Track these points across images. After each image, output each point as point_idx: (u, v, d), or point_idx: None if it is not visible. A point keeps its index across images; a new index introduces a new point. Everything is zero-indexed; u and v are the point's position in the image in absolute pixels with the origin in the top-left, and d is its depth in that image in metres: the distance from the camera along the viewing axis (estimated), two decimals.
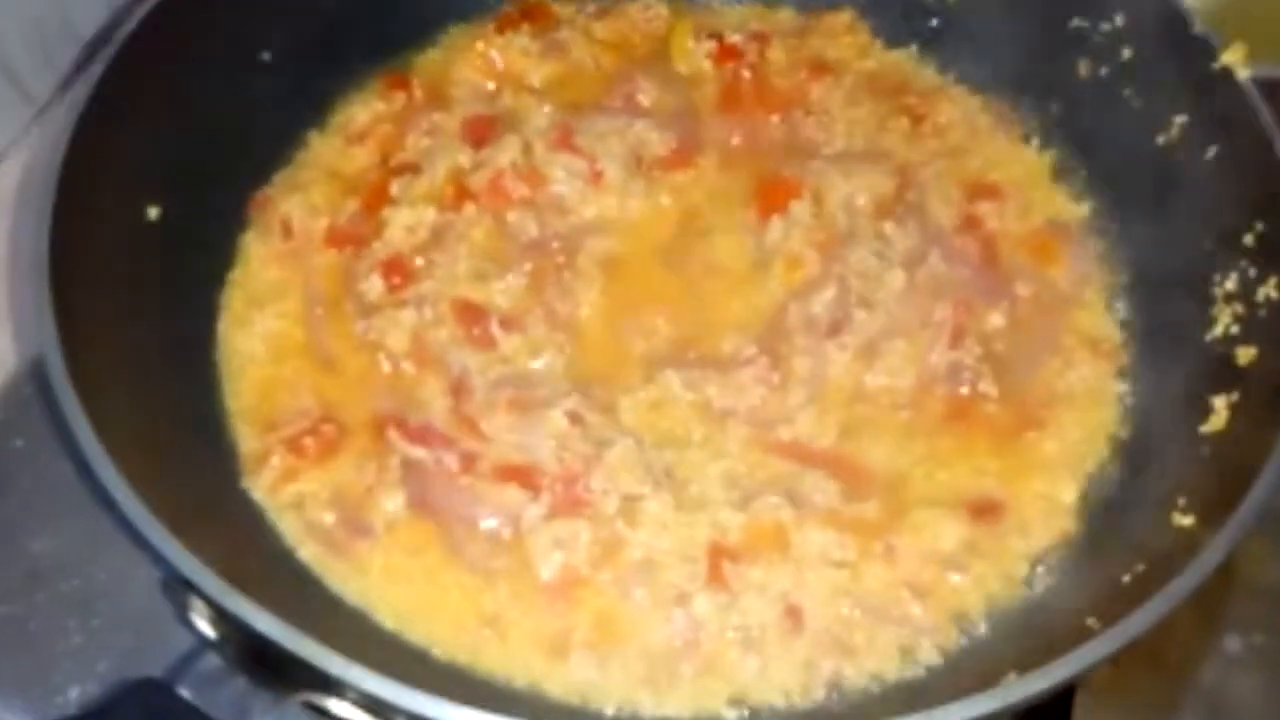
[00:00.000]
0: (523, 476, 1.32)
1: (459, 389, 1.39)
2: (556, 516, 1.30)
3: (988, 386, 1.42)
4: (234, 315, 1.46)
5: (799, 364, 1.41)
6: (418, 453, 1.34)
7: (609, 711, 1.24)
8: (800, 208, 1.52)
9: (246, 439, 1.38)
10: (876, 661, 1.26)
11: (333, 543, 1.31)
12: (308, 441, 1.35)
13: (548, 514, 1.30)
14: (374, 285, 1.46)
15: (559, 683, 1.25)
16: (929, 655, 1.27)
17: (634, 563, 1.29)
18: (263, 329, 1.45)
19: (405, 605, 1.29)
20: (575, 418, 1.35)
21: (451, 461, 1.34)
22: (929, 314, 1.45)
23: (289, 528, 1.33)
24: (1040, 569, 1.33)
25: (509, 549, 1.30)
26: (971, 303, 1.47)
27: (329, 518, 1.32)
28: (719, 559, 1.29)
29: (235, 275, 1.50)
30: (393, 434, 1.35)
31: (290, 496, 1.33)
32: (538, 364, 1.42)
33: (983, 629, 1.30)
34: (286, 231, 1.51)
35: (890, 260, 1.48)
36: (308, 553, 1.32)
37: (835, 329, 1.43)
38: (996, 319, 1.47)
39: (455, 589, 1.30)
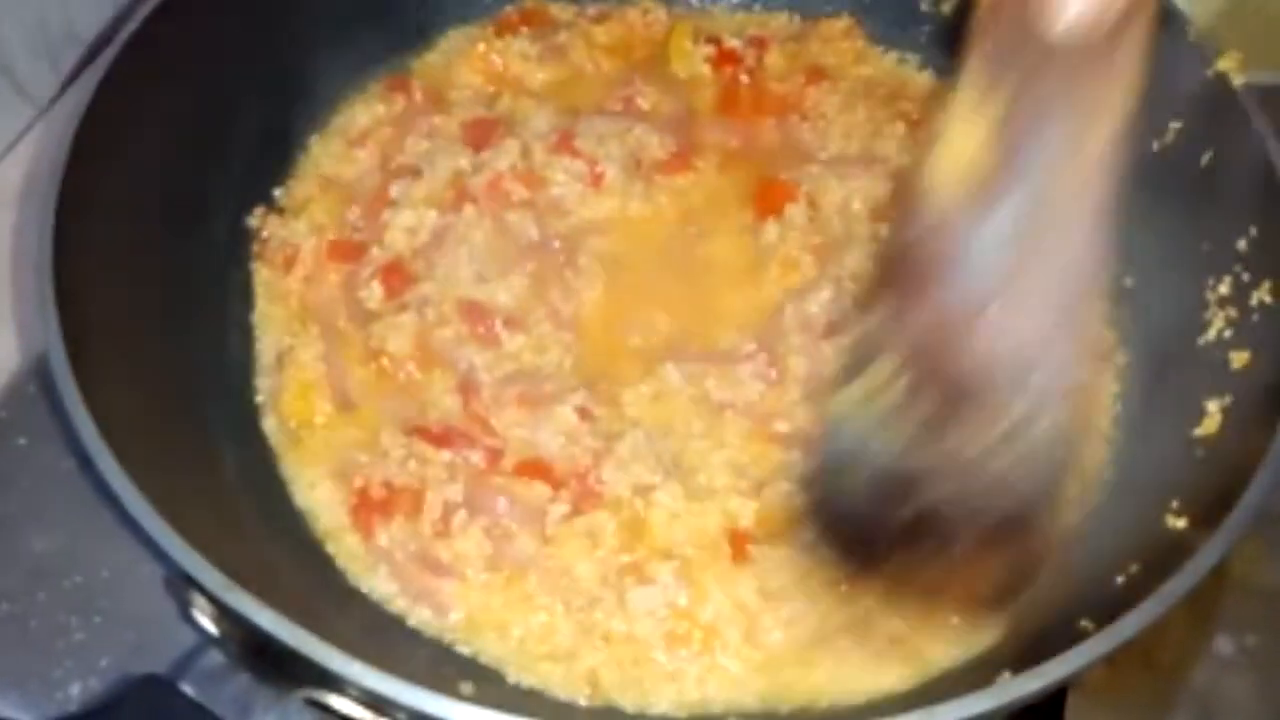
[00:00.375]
0: (545, 472, 1.34)
1: (467, 386, 1.40)
2: (579, 512, 1.31)
3: None
4: (263, 365, 1.47)
5: (795, 363, 1.43)
6: (444, 456, 1.35)
7: (629, 709, 1.25)
8: (796, 211, 1.54)
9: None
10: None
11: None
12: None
13: (570, 511, 1.31)
14: (374, 292, 1.46)
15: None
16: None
17: (654, 551, 1.30)
18: (287, 377, 1.44)
19: None
20: (584, 413, 1.37)
21: (478, 460, 1.35)
22: None
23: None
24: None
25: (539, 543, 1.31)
26: None
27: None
28: (741, 542, 1.30)
29: (253, 318, 1.50)
30: (420, 444, 1.35)
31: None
32: (543, 360, 1.43)
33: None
34: (290, 264, 1.51)
35: None
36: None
37: (831, 330, 1.44)
38: None
39: None
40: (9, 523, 1.38)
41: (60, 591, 1.34)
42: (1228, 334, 1.37)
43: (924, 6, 1.74)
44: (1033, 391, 1.02)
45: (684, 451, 1.37)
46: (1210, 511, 1.17)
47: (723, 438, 1.38)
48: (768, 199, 1.56)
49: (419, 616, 1.29)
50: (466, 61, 1.71)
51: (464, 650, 1.28)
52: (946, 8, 1.72)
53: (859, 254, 1.50)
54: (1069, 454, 1.10)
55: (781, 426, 1.39)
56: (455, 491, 1.32)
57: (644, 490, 1.32)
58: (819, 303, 1.46)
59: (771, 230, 1.53)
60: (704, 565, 1.29)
